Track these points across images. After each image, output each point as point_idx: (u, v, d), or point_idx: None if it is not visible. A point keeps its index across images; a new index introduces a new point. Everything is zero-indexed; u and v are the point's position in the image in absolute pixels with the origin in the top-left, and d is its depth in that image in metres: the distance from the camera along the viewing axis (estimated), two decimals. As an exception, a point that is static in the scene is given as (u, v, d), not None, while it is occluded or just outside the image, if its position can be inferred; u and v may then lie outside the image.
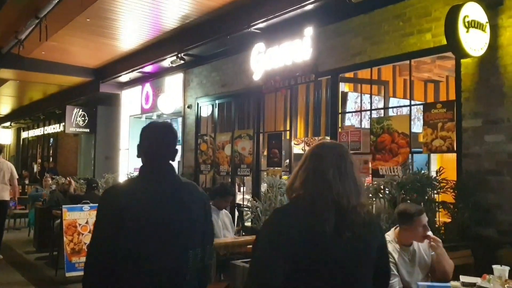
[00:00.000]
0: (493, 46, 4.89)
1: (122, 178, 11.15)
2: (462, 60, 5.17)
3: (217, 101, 9.64)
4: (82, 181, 10.46)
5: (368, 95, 7.70)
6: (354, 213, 1.75)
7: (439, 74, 8.60)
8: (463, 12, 4.63)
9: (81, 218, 6.61)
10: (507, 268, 3.13)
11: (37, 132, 22.13)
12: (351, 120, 8.84)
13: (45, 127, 20.64)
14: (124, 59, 11.42)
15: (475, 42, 4.72)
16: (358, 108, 8.31)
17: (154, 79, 11.73)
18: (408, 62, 6.08)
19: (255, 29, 7.48)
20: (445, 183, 4.90)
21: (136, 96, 12.69)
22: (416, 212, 3.34)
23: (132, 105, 12.98)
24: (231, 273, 4.03)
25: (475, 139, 5.06)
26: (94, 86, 13.25)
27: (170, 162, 2.22)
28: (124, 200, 2.04)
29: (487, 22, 4.84)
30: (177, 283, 2.08)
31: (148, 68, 11.17)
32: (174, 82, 10.95)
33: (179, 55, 9.24)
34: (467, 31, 4.64)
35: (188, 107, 10.39)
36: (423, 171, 5.00)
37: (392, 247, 3.30)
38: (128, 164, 12.56)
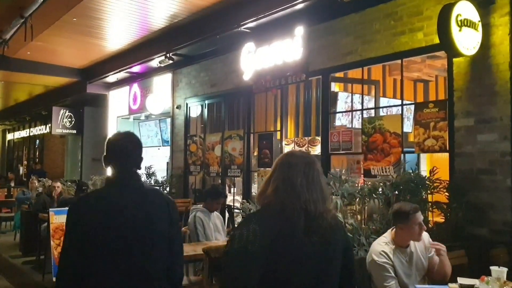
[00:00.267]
0: (486, 45, 4.87)
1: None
2: (454, 59, 5.15)
3: (206, 101, 9.55)
4: (70, 183, 10.29)
5: (358, 95, 7.69)
6: (320, 218, 1.88)
7: (428, 73, 8.61)
8: (456, 10, 4.60)
9: (68, 222, 6.44)
10: (505, 270, 3.10)
11: (23, 133, 21.84)
12: (341, 120, 8.81)
13: (31, 129, 20.37)
14: (112, 59, 11.29)
15: (467, 41, 4.70)
16: (348, 108, 8.28)
17: (142, 79, 11.60)
18: (399, 61, 6.05)
19: (245, 28, 7.42)
20: (439, 183, 4.86)
21: (124, 96, 12.55)
22: (411, 210, 3.31)
23: (120, 106, 12.83)
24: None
25: (468, 139, 5.04)
26: (81, 86, 13.09)
27: (135, 170, 2.33)
28: (88, 212, 2.17)
29: (479, 21, 4.83)
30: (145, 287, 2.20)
31: (136, 68, 11.05)
32: (162, 82, 10.84)
33: (168, 55, 9.14)
34: (460, 30, 4.61)
35: (177, 107, 10.29)
36: (416, 171, 4.95)
37: (389, 249, 3.25)
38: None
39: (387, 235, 3.37)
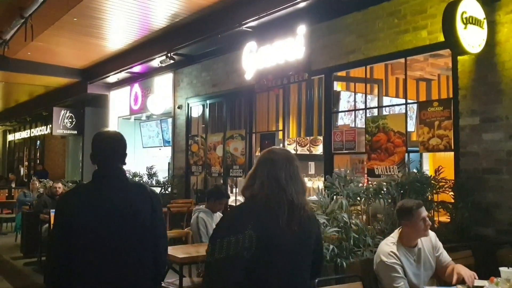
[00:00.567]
0: (491, 42, 4.82)
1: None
2: (459, 57, 5.09)
3: (208, 101, 9.50)
4: (71, 184, 10.24)
5: (361, 94, 7.64)
6: (302, 209, 2.08)
7: (431, 72, 8.55)
8: (461, 8, 4.55)
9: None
10: (514, 270, 3.04)
11: (24, 134, 21.79)
12: (343, 120, 8.76)
13: (32, 129, 20.32)
14: (112, 59, 11.24)
15: (473, 39, 4.65)
16: (351, 107, 8.23)
17: (143, 79, 11.55)
18: (402, 60, 5.99)
19: (246, 27, 7.36)
20: (444, 182, 4.81)
21: (125, 97, 12.50)
22: (414, 205, 3.27)
23: (121, 106, 12.78)
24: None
25: (473, 138, 4.99)
26: (82, 87, 13.04)
27: (120, 165, 2.49)
28: (76, 204, 2.34)
29: (484, 19, 4.77)
30: (128, 279, 2.35)
31: (137, 68, 11.00)
32: (163, 82, 10.78)
33: (169, 54, 9.09)
34: (465, 28, 4.56)
35: (178, 107, 10.24)
36: (423, 171, 4.90)
37: (397, 249, 3.19)
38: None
39: (394, 235, 3.32)
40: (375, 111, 7.22)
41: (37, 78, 12.74)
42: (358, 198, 4.34)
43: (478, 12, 4.72)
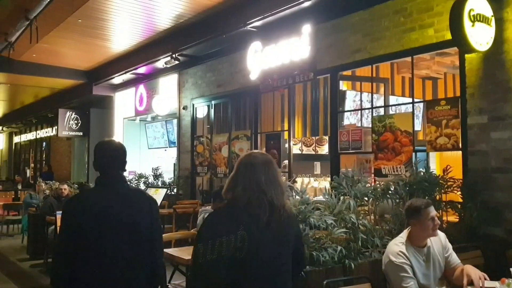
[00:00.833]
0: (499, 40, 4.76)
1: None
2: (466, 56, 5.04)
3: (213, 102, 9.48)
4: (76, 185, 10.26)
5: (367, 93, 7.59)
6: (282, 210, 2.21)
7: (437, 71, 8.49)
8: (468, 5, 4.50)
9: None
10: (526, 271, 2.99)
11: (30, 136, 21.87)
12: (349, 119, 8.71)
13: (38, 131, 20.39)
14: (117, 61, 11.25)
15: (480, 36, 4.60)
16: (357, 106, 8.18)
17: (148, 80, 11.55)
18: (408, 58, 5.94)
19: (251, 27, 7.34)
20: (453, 182, 4.75)
21: (130, 98, 12.50)
22: (423, 204, 3.22)
23: (126, 107, 12.79)
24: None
25: (481, 136, 4.93)
26: (87, 88, 13.06)
27: (120, 172, 2.71)
28: (81, 209, 2.53)
29: (492, 16, 4.72)
30: (127, 278, 2.52)
31: (142, 70, 11.00)
32: (168, 83, 10.78)
33: (174, 55, 9.09)
34: (473, 25, 4.51)
35: (184, 108, 10.23)
36: (430, 171, 4.84)
37: (406, 249, 3.15)
38: (123, 167, 12.34)
39: (403, 235, 3.27)
40: (382, 111, 7.17)
41: (43, 80, 12.77)
42: (366, 198, 4.30)
43: (486, 10, 4.67)
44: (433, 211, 3.22)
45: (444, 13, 5.14)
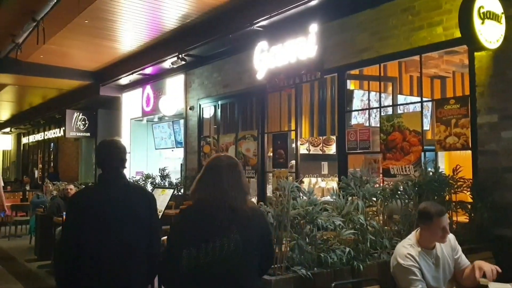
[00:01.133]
0: (509, 37, 4.69)
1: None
2: (476, 54, 4.97)
3: (219, 102, 9.45)
4: (83, 186, 10.27)
5: (374, 93, 7.52)
6: (241, 211, 2.34)
7: (446, 69, 8.40)
8: (478, 2, 4.44)
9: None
10: (539, 273, 2.93)
11: (38, 137, 21.97)
12: (357, 119, 8.64)
13: (45, 132, 20.48)
14: (124, 61, 11.26)
15: (490, 34, 4.53)
16: (364, 106, 8.11)
17: (154, 81, 11.54)
18: (416, 57, 5.88)
19: (257, 27, 7.30)
20: (462, 182, 4.68)
21: (137, 98, 12.51)
22: (436, 212, 3.11)
23: (133, 108, 12.79)
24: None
25: (492, 136, 4.86)
26: (94, 89, 13.08)
27: (120, 169, 2.90)
28: (84, 204, 2.79)
29: (502, 13, 4.65)
30: (127, 265, 2.71)
31: (149, 70, 11.00)
32: (175, 84, 10.77)
33: (180, 56, 9.07)
34: (483, 23, 4.45)
35: (190, 108, 10.21)
36: (440, 170, 4.77)
37: (415, 251, 3.09)
38: (129, 167, 12.36)
39: (412, 237, 3.22)
40: (390, 110, 7.10)
41: (50, 81, 12.81)
42: (374, 199, 4.24)
43: (496, 7, 4.60)
44: (445, 221, 3.12)
45: (453, 10, 5.08)
